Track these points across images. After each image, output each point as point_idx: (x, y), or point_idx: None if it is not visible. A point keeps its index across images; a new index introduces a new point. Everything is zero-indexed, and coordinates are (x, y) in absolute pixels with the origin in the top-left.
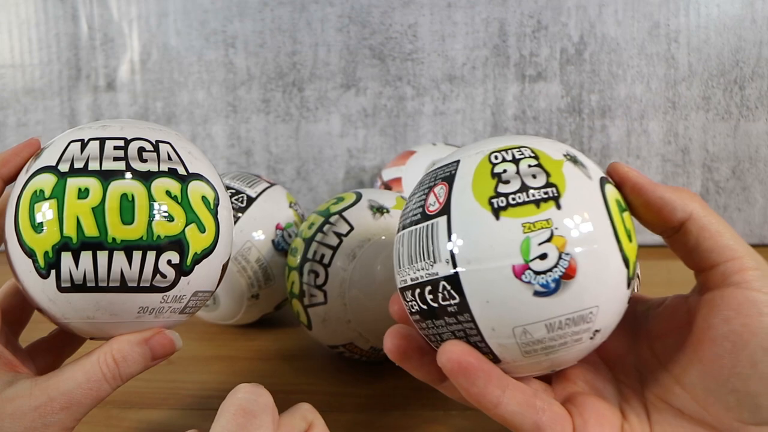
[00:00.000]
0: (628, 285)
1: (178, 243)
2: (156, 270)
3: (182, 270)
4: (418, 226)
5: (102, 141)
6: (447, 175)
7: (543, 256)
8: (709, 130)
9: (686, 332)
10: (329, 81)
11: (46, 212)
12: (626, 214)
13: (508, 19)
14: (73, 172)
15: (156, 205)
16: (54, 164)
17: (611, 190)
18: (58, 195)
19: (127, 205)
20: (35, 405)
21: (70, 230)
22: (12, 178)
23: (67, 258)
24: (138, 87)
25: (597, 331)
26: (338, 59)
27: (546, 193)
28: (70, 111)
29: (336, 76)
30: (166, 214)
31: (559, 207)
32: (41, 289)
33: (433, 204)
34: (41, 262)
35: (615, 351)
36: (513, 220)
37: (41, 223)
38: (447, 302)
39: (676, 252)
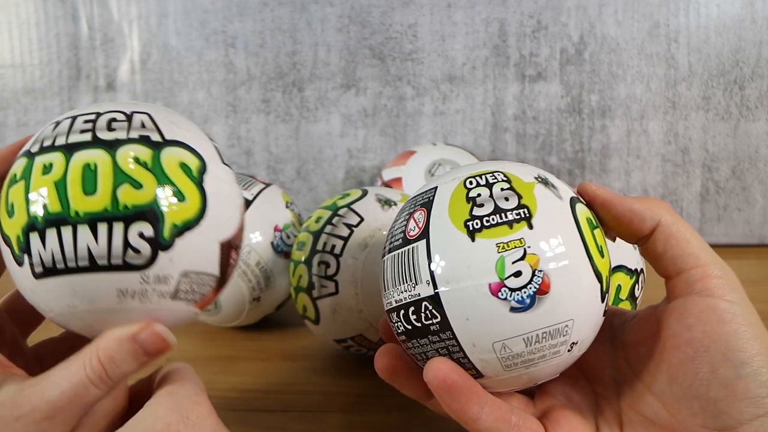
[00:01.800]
0: (602, 299)
1: (150, 212)
2: (126, 244)
3: (159, 243)
4: (400, 251)
5: (74, 117)
6: (425, 201)
7: (517, 274)
8: (709, 130)
9: (655, 341)
10: (329, 81)
11: (16, 195)
12: (597, 231)
13: (508, 19)
14: (42, 150)
15: (121, 172)
16: (28, 148)
17: (582, 209)
18: (26, 176)
19: (89, 174)
20: (17, 415)
21: (35, 208)
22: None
23: (35, 239)
24: (138, 87)
25: (574, 343)
26: (338, 59)
27: (518, 214)
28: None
29: (336, 76)
30: (134, 182)
31: (531, 227)
32: (22, 280)
33: (413, 229)
34: (15, 248)
35: (593, 364)
36: (488, 241)
37: (12, 206)
38: (429, 321)
39: (648, 260)
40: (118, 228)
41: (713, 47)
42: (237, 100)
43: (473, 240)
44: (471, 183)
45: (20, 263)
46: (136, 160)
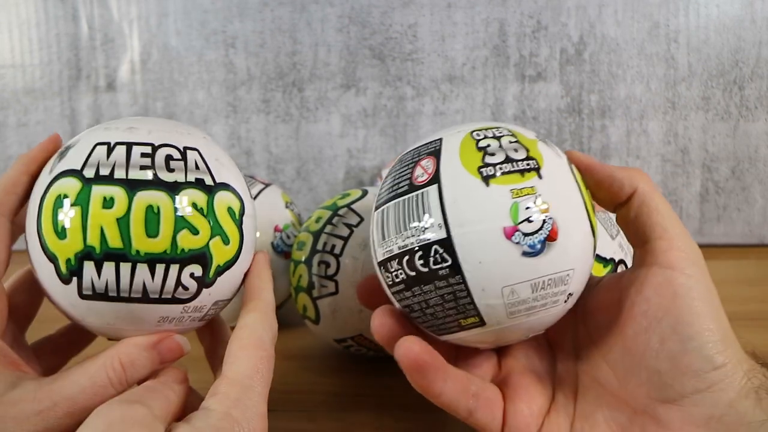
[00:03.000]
0: (593, 253)
1: (202, 256)
2: (179, 283)
3: (204, 282)
4: (406, 197)
5: (129, 146)
6: (432, 150)
7: (530, 219)
8: (708, 130)
9: (615, 310)
10: (329, 81)
11: (69, 219)
12: (586, 192)
13: (508, 20)
14: (99, 179)
15: (181, 218)
16: (79, 168)
17: (575, 169)
18: (82, 202)
19: (152, 217)
20: (38, 409)
21: (93, 240)
22: (37, 176)
23: (89, 267)
24: (138, 87)
25: (570, 294)
26: (338, 59)
27: (528, 164)
28: (70, 111)
29: (336, 76)
30: (192, 228)
31: (540, 177)
32: (62, 294)
33: (422, 175)
34: (63, 268)
35: (556, 328)
36: (502, 187)
37: (64, 230)
38: (438, 265)
39: (621, 227)
40: (174, 269)
41: (713, 47)
42: (237, 100)
43: (488, 185)
44: (478, 135)
45: (66, 282)
46: (194, 206)
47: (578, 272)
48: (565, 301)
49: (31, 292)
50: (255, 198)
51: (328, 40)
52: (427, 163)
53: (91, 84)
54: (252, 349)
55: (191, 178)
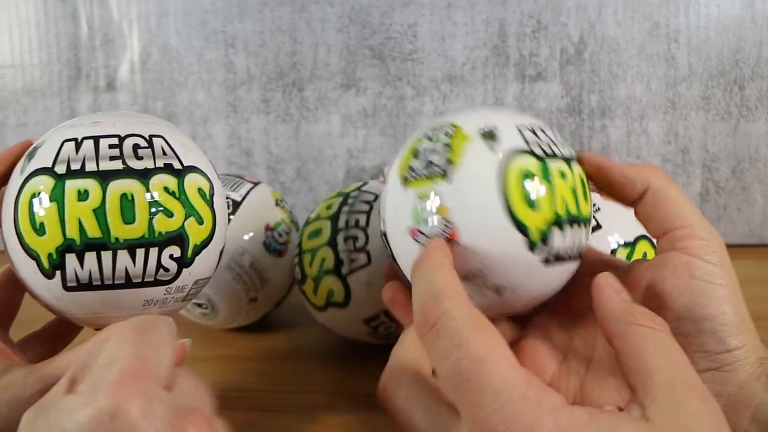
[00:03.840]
0: (531, 248)
1: (179, 237)
2: (159, 265)
3: (184, 262)
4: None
5: (96, 140)
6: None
7: (429, 221)
8: (709, 130)
9: (634, 290)
10: (329, 81)
11: (46, 215)
12: (534, 182)
13: (508, 19)
14: (71, 174)
15: (155, 203)
16: (50, 165)
17: (523, 163)
18: (57, 198)
19: (127, 204)
20: (32, 392)
21: (72, 232)
22: (7, 179)
23: (71, 259)
24: (138, 87)
25: (500, 287)
26: (338, 59)
27: (439, 168)
28: (70, 111)
29: (336, 76)
30: (166, 211)
31: (449, 181)
32: (46, 289)
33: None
34: (45, 263)
35: (579, 304)
36: (412, 190)
37: (43, 226)
38: (387, 252)
39: (641, 222)
40: (154, 252)
41: (713, 47)
42: (237, 100)
43: (405, 189)
44: (425, 135)
45: (49, 277)
46: (166, 190)
47: (499, 268)
48: (498, 293)
49: (12, 290)
50: (244, 199)
51: (328, 40)
52: (391, 165)
53: (91, 84)
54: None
55: (160, 163)
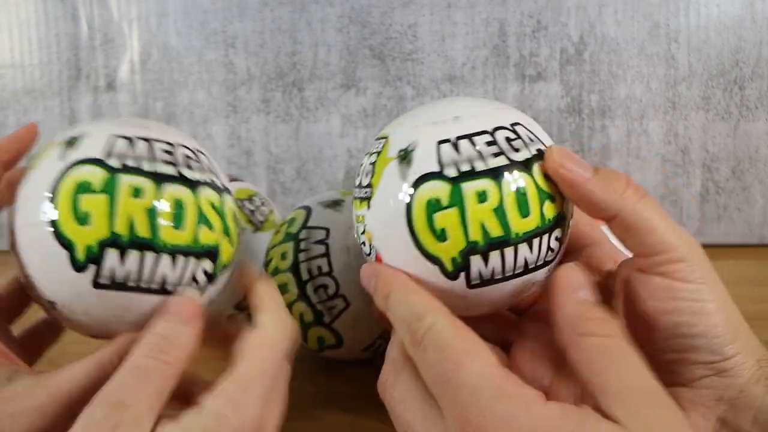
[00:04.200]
0: (450, 277)
1: (214, 252)
2: (193, 276)
3: (211, 278)
4: None
5: (150, 141)
6: None
7: (363, 244)
8: (709, 130)
9: (619, 299)
10: (329, 81)
11: (94, 206)
12: (441, 212)
13: (508, 19)
14: (126, 169)
15: (202, 214)
16: (101, 158)
17: (429, 190)
18: (110, 190)
19: (179, 210)
20: (35, 405)
21: (121, 227)
22: (11, 165)
23: (112, 254)
24: (138, 87)
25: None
26: (338, 59)
27: (365, 192)
28: (70, 111)
29: (336, 76)
30: (209, 224)
31: (369, 207)
32: (69, 283)
33: None
34: (81, 254)
35: None
36: (353, 211)
37: (87, 216)
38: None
39: (615, 236)
40: (193, 262)
41: (713, 47)
42: (237, 100)
43: (352, 206)
44: (370, 148)
45: (80, 269)
46: (211, 205)
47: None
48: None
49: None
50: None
51: (328, 40)
52: None
53: (91, 84)
54: (260, 349)
55: (207, 178)
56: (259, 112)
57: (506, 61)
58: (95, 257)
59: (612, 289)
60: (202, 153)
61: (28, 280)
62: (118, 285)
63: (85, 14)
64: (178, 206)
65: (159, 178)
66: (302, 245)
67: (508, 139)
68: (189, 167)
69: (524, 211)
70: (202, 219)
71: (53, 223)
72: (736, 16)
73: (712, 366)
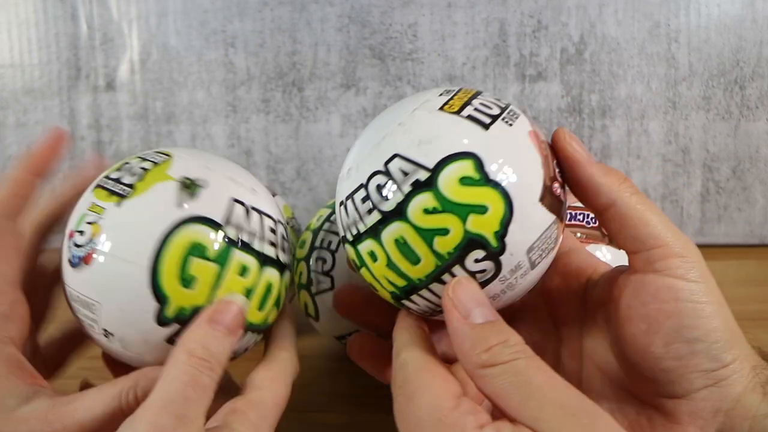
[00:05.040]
0: (162, 323)
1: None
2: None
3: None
4: None
5: (261, 216)
6: None
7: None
8: (709, 130)
9: (615, 306)
10: (329, 81)
11: (203, 273)
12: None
13: (508, 19)
14: (241, 245)
15: (280, 297)
16: (220, 222)
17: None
18: (221, 262)
19: (267, 293)
20: (48, 430)
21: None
22: (44, 172)
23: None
24: (138, 87)
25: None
26: (338, 59)
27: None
28: (69, 111)
29: (336, 76)
30: (279, 303)
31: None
32: (145, 330)
33: None
34: (170, 313)
35: (565, 315)
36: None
37: (193, 280)
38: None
39: (607, 233)
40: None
41: (714, 47)
42: (237, 100)
43: None
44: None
45: (163, 324)
46: (285, 286)
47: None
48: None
49: (44, 293)
50: None
51: (328, 40)
52: None
53: (91, 84)
54: (280, 384)
55: (286, 259)
56: (258, 112)
57: (506, 60)
58: (184, 319)
59: (596, 298)
60: (281, 224)
61: (81, 297)
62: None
63: (84, 14)
64: (268, 290)
65: (263, 260)
66: (333, 217)
67: (379, 187)
68: (284, 250)
69: (413, 258)
70: (278, 301)
71: (154, 272)
72: (736, 16)
73: (711, 375)
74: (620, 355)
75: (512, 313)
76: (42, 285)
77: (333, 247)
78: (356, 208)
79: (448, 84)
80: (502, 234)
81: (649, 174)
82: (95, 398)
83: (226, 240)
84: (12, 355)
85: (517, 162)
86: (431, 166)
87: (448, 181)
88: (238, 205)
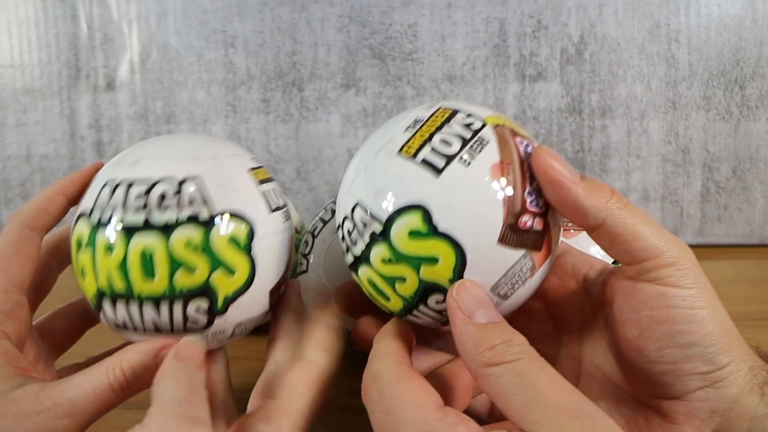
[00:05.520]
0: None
1: (205, 290)
2: (185, 317)
3: (215, 312)
4: None
5: (128, 187)
6: None
7: None
8: (709, 130)
9: (610, 308)
10: (329, 81)
11: (85, 262)
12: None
13: (508, 19)
14: (101, 225)
15: (176, 259)
16: (88, 213)
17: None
18: (92, 248)
19: (147, 261)
20: (39, 409)
21: (102, 284)
22: (76, 199)
23: (107, 304)
24: (138, 87)
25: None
26: (338, 59)
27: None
28: (69, 111)
29: (336, 76)
30: (188, 266)
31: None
32: (103, 321)
33: None
34: (92, 302)
35: (565, 310)
36: None
37: (83, 271)
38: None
39: (599, 245)
40: (178, 306)
41: (714, 47)
42: (237, 100)
43: None
44: None
45: (97, 311)
46: (188, 245)
47: None
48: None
49: (71, 320)
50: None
51: (328, 40)
52: None
53: (91, 84)
54: (315, 391)
55: (185, 215)
56: (258, 111)
57: (506, 60)
58: (98, 306)
59: (594, 297)
60: (193, 179)
61: None
62: (121, 328)
63: (84, 14)
64: (145, 257)
65: (128, 232)
66: (329, 206)
67: (349, 232)
68: (161, 209)
69: (383, 296)
70: (177, 264)
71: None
72: (736, 16)
73: (707, 377)
74: (617, 355)
75: (511, 314)
76: (73, 309)
77: (316, 232)
78: (344, 239)
79: (448, 84)
80: (457, 279)
81: (649, 174)
82: (83, 377)
83: (91, 226)
84: (6, 347)
85: (468, 209)
86: (384, 219)
87: (398, 234)
88: (105, 189)
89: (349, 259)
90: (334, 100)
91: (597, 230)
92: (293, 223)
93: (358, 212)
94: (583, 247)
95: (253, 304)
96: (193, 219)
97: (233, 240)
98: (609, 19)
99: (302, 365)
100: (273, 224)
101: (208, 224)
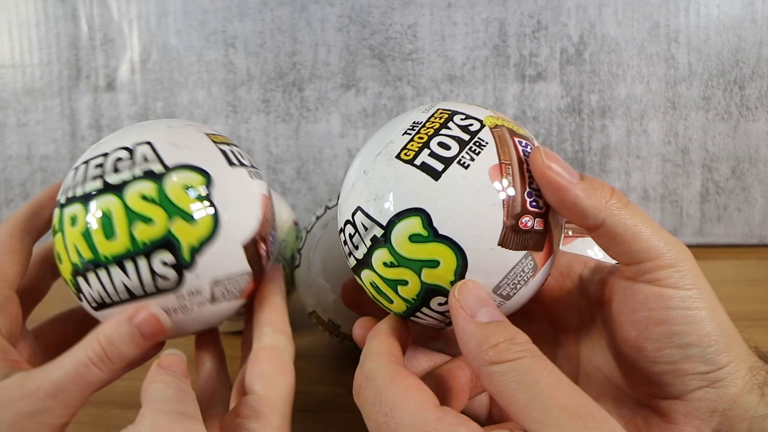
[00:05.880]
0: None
1: (166, 242)
2: (153, 273)
3: (182, 265)
4: None
5: (88, 162)
6: None
7: None
8: (709, 130)
9: (608, 309)
10: (329, 81)
11: (58, 245)
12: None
13: (508, 19)
14: (67, 202)
15: (132, 213)
16: (59, 198)
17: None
18: (61, 228)
19: (106, 221)
20: (23, 394)
21: (74, 257)
22: (42, 231)
23: (81, 282)
24: (138, 87)
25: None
26: (338, 59)
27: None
28: (70, 111)
29: (336, 76)
30: (145, 219)
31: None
32: (87, 310)
33: None
34: (72, 288)
35: (561, 310)
36: None
37: (59, 255)
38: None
39: (598, 245)
40: (143, 262)
41: (713, 47)
42: (237, 100)
43: None
44: None
45: (80, 300)
46: (143, 198)
47: None
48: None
49: (69, 325)
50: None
51: (328, 40)
52: None
53: (91, 84)
54: (287, 374)
55: (138, 172)
56: (259, 112)
57: (506, 61)
58: (76, 288)
59: (591, 296)
60: (146, 143)
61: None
62: (102, 305)
63: (85, 14)
64: (105, 218)
65: (86, 198)
66: (328, 203)
67: (351, 236)
68: (115, 171)
69: (387, 299)
70: (133, 217)
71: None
72: (736, 16)
73: (706, 377)
74: (615, 355)
75: (507, 316)
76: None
77: (309, 227)
78: (346, 243)
79: (448, 84)
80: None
81: (649, 174)
82: (64, 357)
83: (59, 206)
84: None
85: (468, 212)
86: (384, 223)
87: (398, 238)
88: (71, 172)
89: (352, 262)
90: (334, 101)
91: (597, 230)
92: (269, 190)
93: (358, 217)
94: (578, 252)
95: (226, 257)
96: (147, 174)
97: (188, 187)
98: (609, 19)
99: (266, 353)
100: (235, 177)
101: (162, 176)
